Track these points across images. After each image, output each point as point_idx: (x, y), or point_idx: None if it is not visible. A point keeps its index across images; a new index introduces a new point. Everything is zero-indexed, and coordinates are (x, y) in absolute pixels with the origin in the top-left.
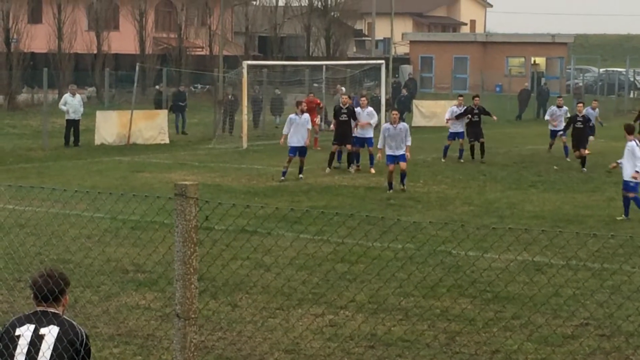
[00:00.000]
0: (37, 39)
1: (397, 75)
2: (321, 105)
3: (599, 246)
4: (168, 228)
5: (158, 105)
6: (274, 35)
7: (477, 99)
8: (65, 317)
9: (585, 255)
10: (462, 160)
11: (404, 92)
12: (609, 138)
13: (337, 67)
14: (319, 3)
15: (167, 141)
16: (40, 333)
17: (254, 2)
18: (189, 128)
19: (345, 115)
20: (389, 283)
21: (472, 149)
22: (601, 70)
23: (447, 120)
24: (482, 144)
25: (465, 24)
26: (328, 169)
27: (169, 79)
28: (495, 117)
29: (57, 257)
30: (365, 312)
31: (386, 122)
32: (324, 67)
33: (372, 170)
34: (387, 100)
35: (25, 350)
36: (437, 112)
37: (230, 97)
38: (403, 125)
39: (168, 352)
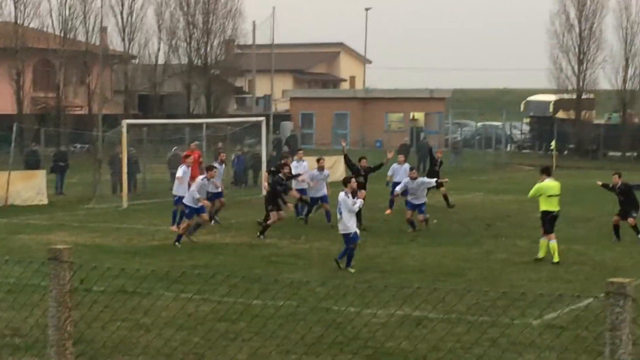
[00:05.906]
0: None
1: (277, 132)
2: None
3: (477, 299)
4: (44, 291)
5: (29, 166)
6: (154, 94)
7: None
8: None
9: (464, 308)
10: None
11: (285, 148)
12: (487, 191)
13: (217, 124)
14: (199, 61)
15: (46, 202)
16: None
17: (134, 61)
18: (68, 188)
19: None
20: (270, 341)
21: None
22: (479, 124)
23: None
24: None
25: (345, 80)
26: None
27: (47, 138)
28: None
29: None
30: None
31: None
32: (205, 124)
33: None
34: (270, 157)
35: None
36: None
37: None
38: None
39: None
